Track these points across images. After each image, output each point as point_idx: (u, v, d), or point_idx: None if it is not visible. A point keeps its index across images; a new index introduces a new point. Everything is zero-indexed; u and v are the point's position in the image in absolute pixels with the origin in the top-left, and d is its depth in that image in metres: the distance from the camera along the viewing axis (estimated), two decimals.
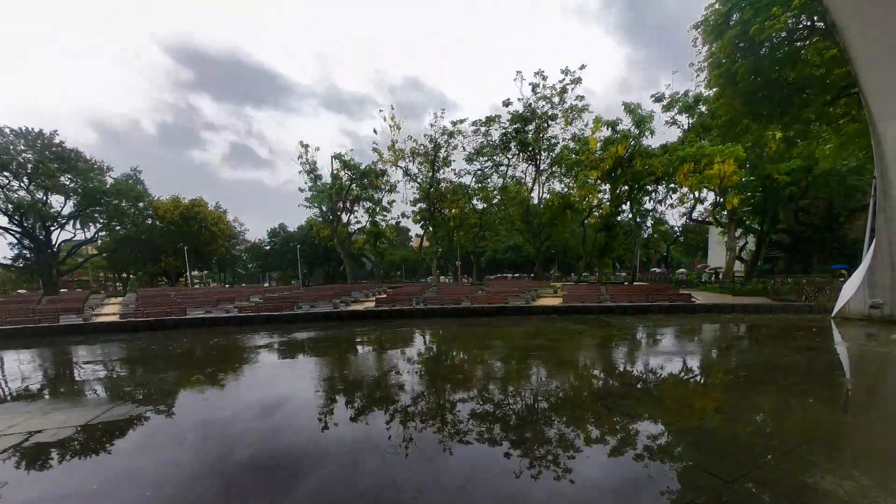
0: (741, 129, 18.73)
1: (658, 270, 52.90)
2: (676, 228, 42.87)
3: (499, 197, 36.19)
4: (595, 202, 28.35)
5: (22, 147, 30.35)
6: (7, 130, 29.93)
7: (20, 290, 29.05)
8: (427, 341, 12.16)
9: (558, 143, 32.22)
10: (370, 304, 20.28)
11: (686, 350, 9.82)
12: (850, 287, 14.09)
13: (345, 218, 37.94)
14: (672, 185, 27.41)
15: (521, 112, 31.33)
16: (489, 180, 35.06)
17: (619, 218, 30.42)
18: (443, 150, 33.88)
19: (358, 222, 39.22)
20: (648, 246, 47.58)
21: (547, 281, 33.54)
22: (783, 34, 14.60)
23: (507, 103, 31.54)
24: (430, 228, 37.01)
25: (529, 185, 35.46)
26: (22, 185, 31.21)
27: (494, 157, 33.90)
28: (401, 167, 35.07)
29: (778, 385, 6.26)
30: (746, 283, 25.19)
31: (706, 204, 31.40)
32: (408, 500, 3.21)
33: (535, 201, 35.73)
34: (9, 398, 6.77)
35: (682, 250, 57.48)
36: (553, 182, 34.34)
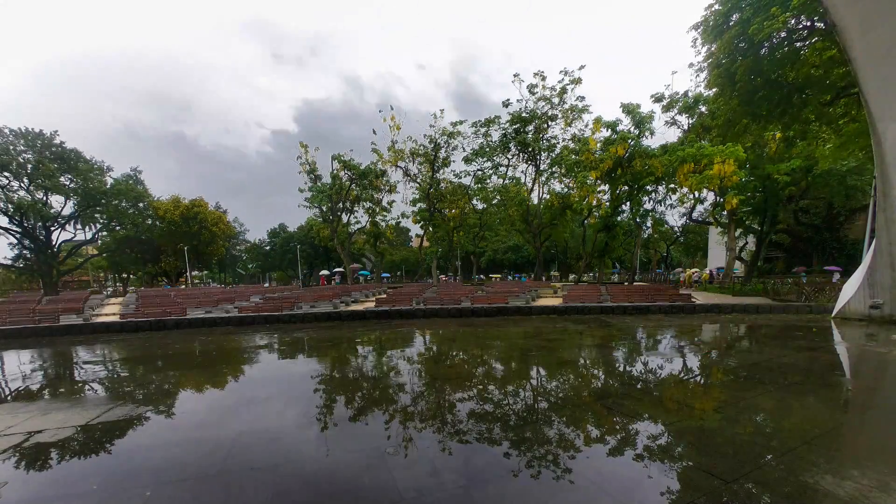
0: (740, 128, 18.76)
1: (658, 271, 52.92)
2: (676, 229, 42.90)
3: (498, 197, 36.21)
4: (595, 202, 28.36)
5: (22, 147, 30.34)
6: (7, 131, 29.91)
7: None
8: (427, 341, 12.15)
9: (558, 143, 32.25)
10: (370, 305, 20.29)
11: (686, 350, 9.83)
12: (850, 287, 14.10)
13: (345, 218, 37.95)
14: (672, 186, 27.43)
15: (520, 112, 31.35)
16: (489, 181, 35.08)
17: (618, 218, 30.42)
18: (442, 151, 33.92)
19: (358, 222, 39.21)
20: (648, 246, 47.56)
21: (547, 281, 33.56)
22: (782, 34, 14.63)
23: (506, 104, 31.57)
24: (430, 229, 37.00)
25: (529, 185, 35.50)
26: (22, 185, 31.18)
27: (494, 158, 33.91)
28: (400, 167, 35.10)
29: (778, 385, 6.26)
30: (746, 283, 25.23)
31: (706, 204, 31.45)
32: (408, 500, 3.21)
33: (535, 202, 35.78)
34: (9, 398, 6.77)
35: (682, 250, 57.44)
36: (553, 182, 34.37)
